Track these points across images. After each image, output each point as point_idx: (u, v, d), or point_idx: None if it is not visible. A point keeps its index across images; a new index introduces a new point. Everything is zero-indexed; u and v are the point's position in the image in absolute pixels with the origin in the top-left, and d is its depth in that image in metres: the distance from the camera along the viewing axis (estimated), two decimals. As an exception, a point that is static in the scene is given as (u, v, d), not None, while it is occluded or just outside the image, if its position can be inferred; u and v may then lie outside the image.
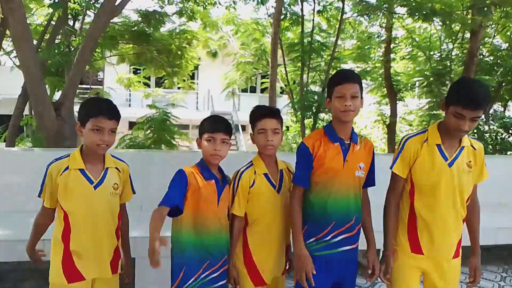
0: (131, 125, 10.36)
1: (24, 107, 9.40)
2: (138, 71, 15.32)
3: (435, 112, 10.51)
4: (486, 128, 9.04)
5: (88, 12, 8.96)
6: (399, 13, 9.27)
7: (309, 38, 9.55)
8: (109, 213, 2.01)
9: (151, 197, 2.80)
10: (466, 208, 2.07)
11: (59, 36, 8.77)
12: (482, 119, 9.70)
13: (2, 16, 7.01)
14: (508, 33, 9.89)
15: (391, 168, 2.09)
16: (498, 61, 10.03)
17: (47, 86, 7.31)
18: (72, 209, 1.94)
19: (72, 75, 5.73)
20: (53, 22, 8.79)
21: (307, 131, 9.72)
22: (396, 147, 2.21)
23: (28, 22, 5.52)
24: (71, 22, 9.43)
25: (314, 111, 9.03)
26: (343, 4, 9.22)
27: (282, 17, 9.07)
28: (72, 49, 7.89)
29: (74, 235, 1.94)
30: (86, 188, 1.94)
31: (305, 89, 9.62)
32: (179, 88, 15.58)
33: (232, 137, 15.86)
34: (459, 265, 2.12)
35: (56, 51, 7.53)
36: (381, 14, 9.21)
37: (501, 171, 4.19)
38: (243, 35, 12.64)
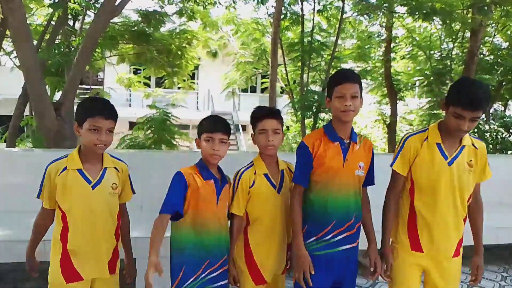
0: (132, 125, 10.37)
1: (25, 107, 9.40)
2: (138, 71, 15.32)
3: (435, 111, 10.51)
4: (487, 127, 9.03)
5: (88, 12, 8.96)
6: (399, 13, 9.26)
7: (309, 38, 9.55)
8: (108, 213, 2.01)
9: (151, 197, 2.80)
10: (470, 207, 2.09)
11: (59, 36, 8.78)
12: (483, 118, 9.69)
13: (2, 16, 7.02)
14: (509, 32, 9.89)
15: (391, 166, 2.10)
16: (499, 60, 10.01)
17: (47, 86, 7.31)
18: (70, 208, 1.94)
19: (72, 75, 5.74)
20: (53, 22, 8.79)
21: (308, 131, 9.72)
22: (396, 146, 2.22)
23: (28, 22, 5.52)
24: (71, 22, 9.43)
25: (314, 111, 9.03)
26: (343, 3, 9.23)
27: (282, 16, 9.08)
28: (72, 49, 7.90)
29: (71, 235, 1.94)
30: (84, 188, 1.95)
31: (305, 88, 9.62)
32: (179, 88, 15.59)
33: (232, 137, 15.92)
34: (460, 264, 2.12)
35: (56, 51, 7.54)
36: (381, 14, 9.21)
37: (502, 171, 4.19)
38: (243, 35, 12.64)
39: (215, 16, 12.69)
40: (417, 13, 7.84)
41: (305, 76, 9.89)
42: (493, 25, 9.77)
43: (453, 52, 10.24)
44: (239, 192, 2.12)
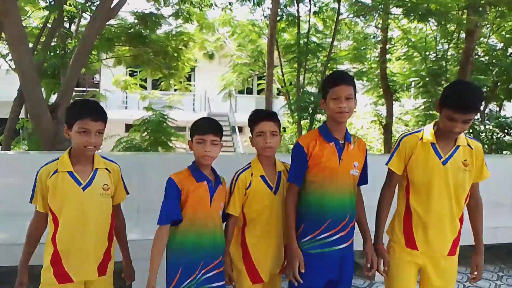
0: (128, 127, 10.33)
1: (20, 110, 9.33)
2: (135, 73, 15.29)
3: (431, 112, 10.52)
4: (482, 127, 9.08)
5: (84, 14, 8.95)
6: (394, 14, 9.30)
7: (305, 39, 9.58)
8: (99, 214, 2.01)
9: (148, 200, 2.80)
10: (469, 207, 2.13)
11: (55, 39, 8.75)
12: (478, 118, 9.74)
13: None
14: (503, 33, 9.94)
15: (387, 164, 2.15)
16: (494, 61, 10.05)
17: (43, 88, 7.30)
18: (61, 210, 1.94)
19: (68, 78, 5.72)
20: (49, 25, 8.76)
21: (304, 132, 9.73)
22: (392, 145, 2.25)
23: (23, 24, 5.50)
24: (67, 25, 9.42)
25: (310, 112, 9.06)
26: (339, 5, 9.26)
27: (278, 18, 9.10)
28: (68, 51, 7.89)
29: (62, 236, 1.94)
30: (75, 190, 1.95)
31: (301, 90, 9.65)
32: (175, 90, 15.57)
33: (229, 138, 15.88)
34: (456, 263, 2.14)
35: (52, 53, 7.53)
36: (376, 15, 9.24)
37: (498, 171, 4.17)
38: (239, 37, 12.65)
39: (212, 18, 12.68)
40: (412, 14, 7.88)
41: (301, 77, 9.91)
42: (488, 26, 9.81)
43: (449, 53, 10.27)
44: (235, 193, 2.16)
